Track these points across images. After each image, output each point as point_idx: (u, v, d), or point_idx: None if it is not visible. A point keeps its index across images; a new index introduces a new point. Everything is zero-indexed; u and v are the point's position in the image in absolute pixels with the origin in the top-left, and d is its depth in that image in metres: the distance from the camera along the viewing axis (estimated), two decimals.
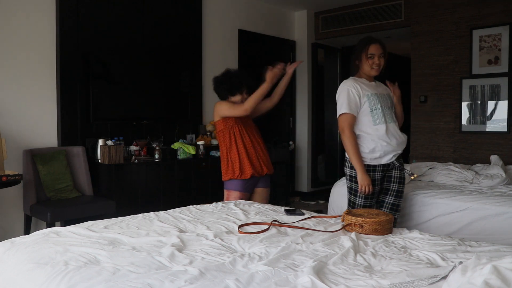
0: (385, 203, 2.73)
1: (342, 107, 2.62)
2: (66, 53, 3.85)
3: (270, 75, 2.97)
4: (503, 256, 1.33)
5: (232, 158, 2.96)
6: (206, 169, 4.28)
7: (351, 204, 2.71)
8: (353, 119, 2.61)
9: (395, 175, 2.70)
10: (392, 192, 2.71)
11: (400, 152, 2.69)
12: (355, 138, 2.61)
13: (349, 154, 2.61)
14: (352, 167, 2.66)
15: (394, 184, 2.70)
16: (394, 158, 2.66)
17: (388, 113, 2.65)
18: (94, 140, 3.96)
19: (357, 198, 2.66)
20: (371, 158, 2.62)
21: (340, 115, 2.64)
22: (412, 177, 2.78)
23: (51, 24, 3.81)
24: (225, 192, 3.03)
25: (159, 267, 1.46)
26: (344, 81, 2.70)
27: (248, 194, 3.03)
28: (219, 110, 2.99)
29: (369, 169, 2.62)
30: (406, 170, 2.76)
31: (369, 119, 2.61)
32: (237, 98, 3.02)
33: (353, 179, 2.67)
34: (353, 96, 2.60)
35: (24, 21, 3.65)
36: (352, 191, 2.69)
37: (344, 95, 2.62)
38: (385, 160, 2.64)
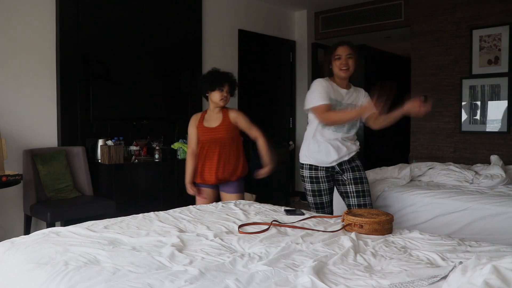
0: (350, 206, 2.79)
1: (316, 99, 2.64)
2: (66, 53, 3.85)
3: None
4: (503, 256, 1.33)
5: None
6: None
7: (309, 204, 2.87)
8: (328, 108, 2.64)
9: (348, 177, 2.76)
10: (352, 194, 2.77)
11: (345, 158, 2.75)
12: (335, 112, 2.64)
13: (345, 118, 2.62)
14: (302, 168, 2.82)
15: (350, 186, 2.76)
16: (335, 164, 2.74)
17: (345, 125, 2.72)
18: (94, 140, 3.96)
19: (307, 196, 2.86)
20: (313, 157, 2.75)
21: (314, 107, 2.66)
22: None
23: (51, 24, 3.81)
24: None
25: (159, 267, 1.46)
26: (317, 79, 2.75)
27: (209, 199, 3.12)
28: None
29: (311, 167, 2.77)
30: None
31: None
32: (216, 94, 2.97)
33: (304, 180, 2.82)
34: (324, 89, 2.65)
35: (24, 21, 3.65)
36: (306, 191, 2.86)
37: (316, 88, 2.67)
38: (325, 164, 2.75)
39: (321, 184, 2.77)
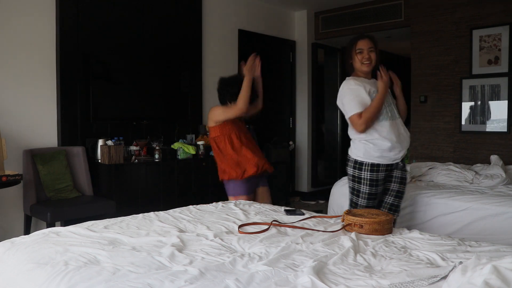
0: (384, 202, 2.68)
1: (352, 108, 2.53)
2: (66, 53, 3.85)
3: (246, 68, 2.98)
4: (503, 256, 1.33)
5: (230, 160, 2.97)
6: (206, 169, 4.27)
7: (353, 205, 2.66)
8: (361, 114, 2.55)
9: (397, 175, 2.64)
10: (391, 192, 2.66)
11: (404, 151, 2.60)
12: (367, 112, 2.51)
13: (377, 110, 2.49)
14: (354, 167, 2.60)
15: (395, 184, 2.65)
16: (399, 157, 2.59)
17: (390, 110, 2.59)
18: (94, 140, 3.96)
19: (359, 199, 2.60)
20: (376, 156, 2.54)
21: (351, 115, 2.54)
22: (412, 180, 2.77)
23: (51, 24, 3.81)
24: (229, 198, 3.04)
25: (159, 267, 1.46)
26: (344, 82, 2.63)
27: (251, 196, 3.03)
28: (213, 115, 2.96)
29: (373, 168, 2.55)
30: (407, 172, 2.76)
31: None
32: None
33: (355, 179, 2.61)
34: (360, 93, 2.53)
35: (24, 21, 3.65)
36: (355, 192, 2.64)
37: (350, 95, 2.55)
38: (389, 159, 2.56)
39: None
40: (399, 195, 2.68)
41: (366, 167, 2.56)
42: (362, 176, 2.58)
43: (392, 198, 2.67)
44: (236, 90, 2.95)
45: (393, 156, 2.56)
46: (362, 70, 2.62)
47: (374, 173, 2.55)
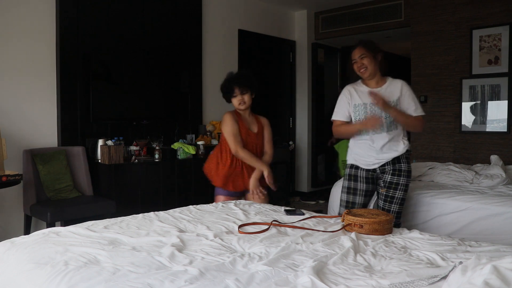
0: (377, 206, 2.79)
1: (334, 112, 2.81)
2: (66, 53, 3.85)
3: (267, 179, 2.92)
4: (503, 256, 1.33)
5: (214, 165, 2.97)
6: None
7: (343, 203, 2.80)
8: (339, 123, 2.77)
9: (386, 179, 2.70)
10: (381, 196, 2.74)
11: (383, 160, 2.69)
12: (343, 127, 2.75)
13: (348, 133, 2.76)
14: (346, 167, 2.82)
15: (383, 188, 2.72)
16: (376, 166, 2.71)
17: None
18: (94, 140, 3.96)
19: (341, 194, 2.83)
20: (352, 158, 2.79)
21: (332, 120, 2.83)
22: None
23: (51, 24, 3.81)
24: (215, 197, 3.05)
25: (159, 267, 1.46)
26: (345, 86, 2.82)
27: (234, 198, 2.98)
28: (223, 125, 2.95)
29: (352, 166, 2.78)
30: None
31: None
32: (234, 101, 2.93)
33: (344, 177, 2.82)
34: (343, 103, 2.75)
35: (24, 21, 3.65)
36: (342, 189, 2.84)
37: (338, 101, 2.80)
38: (365, 165, 2.74)
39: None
40: (388, 199, 2.71)
41: (348, 166, 2.84)
42: (345, 173, 2.85)
43: (382, 202, 2.74)
44: (225, 90, 2.94)
45: (368, 163, 2.72)
46: (362, 77, 2.73)
47: (353, 169, 2.77)
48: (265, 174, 2.89)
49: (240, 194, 3.01)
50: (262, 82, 6.10)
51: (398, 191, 2.68)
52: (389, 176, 2.68)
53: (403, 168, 2.68)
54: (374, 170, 2.72)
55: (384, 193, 2.70)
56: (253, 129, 2.98)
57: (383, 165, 2.69)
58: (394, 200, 2.69)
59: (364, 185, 2.74)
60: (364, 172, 2.74)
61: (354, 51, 2.69)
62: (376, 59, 2.66)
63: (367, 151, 2.70)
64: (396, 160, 2.68)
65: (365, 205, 2.78)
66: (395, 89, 2.68)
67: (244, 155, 2.87)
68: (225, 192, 2.96)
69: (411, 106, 2.66)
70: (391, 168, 2.68)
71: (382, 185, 2.71)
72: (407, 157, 2.71)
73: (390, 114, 2.59)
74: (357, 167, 2.75)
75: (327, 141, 5.76)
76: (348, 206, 2.76)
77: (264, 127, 3.03)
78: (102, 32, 4.07)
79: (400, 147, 2.68)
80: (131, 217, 2.20)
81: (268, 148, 3.03)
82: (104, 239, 1.78)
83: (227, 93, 2.95)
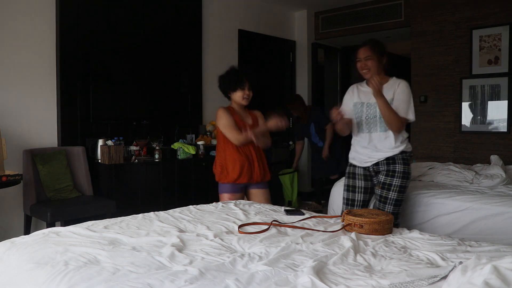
0: (375, 206, 2.83)
1: None
2: (66, 53, 3.85)
3: (272, 123, 2.91)
4: (503, 256, 1.33)
5: (224, 162, 2.99)
6: (206, 169, 4.27)
7: (345, 201, 2.86)
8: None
9: (380, 179, 2.72)
10: (376, 196, 2.77)
11: (375, 159, 2.70)
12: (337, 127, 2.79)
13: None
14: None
15: (378, 189, 2.73)
16: (368, 164, 2.74)
17: (371, 122, 2.69)
18: (94, 140, 3.96)
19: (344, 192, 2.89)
20: (351, 156, 2.87)
21: None
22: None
23: (51, 24, 3.81)
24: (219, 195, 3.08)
25: (159, 267, 1.46)
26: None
27: (239, 195, 3.02)
28: (218, 120, 2.97)
29: (351, 164, 2.86)
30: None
31: (355, 127, 2.79)
32: (238, 94, 2.96)
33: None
34: (346, 101, 2.82)
35: (24, 21, 3.65)
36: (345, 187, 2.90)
37: (343, 99, 2.88)
38: (360, 162, 2.79)
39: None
40: (382, 199, 2.71)
41: (348, 164, 2.92)
42: (345, 171, 2.92)
43: (377, 202, 2.76)
44: (228, 80, 2.96)
45: (362, 160, 2.77)
46: (364, 77, 2.73)
47: (352, 167, 2.85)
48: (271, 122, 2.90)
49: (243, 189, 3.05)
50: (262, 82, 6.12)
51: (391, 192, 2.67)
52: (383, 176, 2.70)
53: (397, 169, 2.65)
54: (368, 168, 2.76)
55: (379, 193, 2.72)
56: (248, 121, 3.03)
57: (377, 164, 2.70)
58: (388, 201, 2.69)
59: (363, 182, 2.78)
60: (361, 169, 2.79)
61: (360, 50, 2.67)
62: (380, 62, 2.66)
63: (362, 149, 2.75)
64: (391, 161, 2.67)
65: (365, 202, 2.80)
66: (392, 89, 2.67)
67: (245, 136, 2.89)
68: (230, 189, 2.98)
69: (400, 109, 2.59)
70: (385, 168, 2.69)
71: (377, 184, 2.75)
72: (405, 158, 2.68)
73: (377, 102, 2.55)
74: (355, 165, 2.82)
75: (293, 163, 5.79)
76: (349, 203, 2.80)
77: (259, 119, 3.08)
78: (102, 32, 4.07)
79: (396, 148, 2.66)
80: (131, 217, 2.20)
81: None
82: (104, 239, 1.77)
83: (234, 83, 2.93)
